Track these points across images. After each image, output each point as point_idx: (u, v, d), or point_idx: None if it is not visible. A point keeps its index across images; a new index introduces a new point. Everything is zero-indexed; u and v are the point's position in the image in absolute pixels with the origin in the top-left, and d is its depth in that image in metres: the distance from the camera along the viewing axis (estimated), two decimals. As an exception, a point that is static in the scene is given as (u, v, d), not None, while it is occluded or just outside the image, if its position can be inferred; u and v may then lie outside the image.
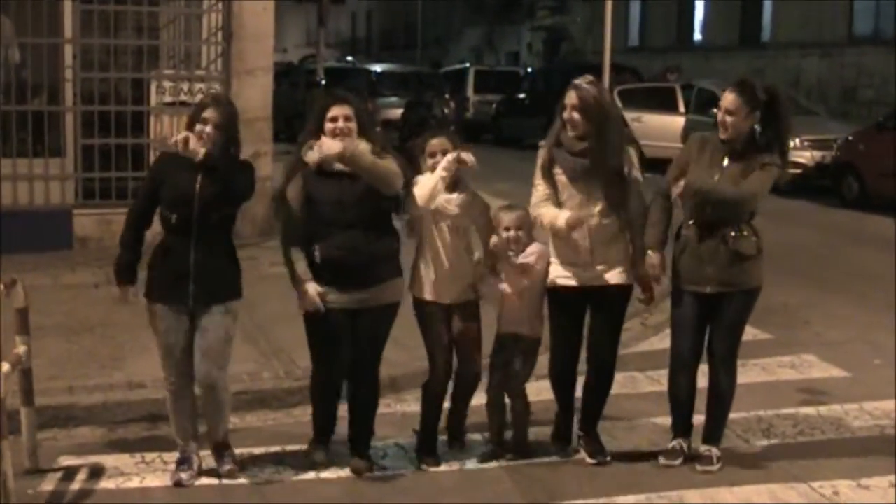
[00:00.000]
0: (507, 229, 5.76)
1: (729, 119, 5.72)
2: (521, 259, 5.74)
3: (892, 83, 21.87)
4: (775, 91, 5.85)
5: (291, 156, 5.72)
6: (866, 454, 6.16)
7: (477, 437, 6.16)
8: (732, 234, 5.72)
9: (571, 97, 5.71)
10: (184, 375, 5.58)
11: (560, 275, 5.84)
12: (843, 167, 16.64)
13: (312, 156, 5.49)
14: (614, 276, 5.80)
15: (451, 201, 5.79)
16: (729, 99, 5.73)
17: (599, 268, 5.78)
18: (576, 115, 5.69)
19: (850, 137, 16.89)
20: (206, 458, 5.76)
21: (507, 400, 6.02)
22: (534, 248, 5.80)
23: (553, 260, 5.87)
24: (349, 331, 5.65)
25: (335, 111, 5.59)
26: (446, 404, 6.08)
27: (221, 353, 5.58)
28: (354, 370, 5.80)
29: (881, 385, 7.44)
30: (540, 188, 5.88)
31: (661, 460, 5.96)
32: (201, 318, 5.50)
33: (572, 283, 5.81)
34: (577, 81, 5.75)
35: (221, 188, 5.41)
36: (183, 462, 5.66)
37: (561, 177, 5.80)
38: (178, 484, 5.55)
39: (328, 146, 5.45)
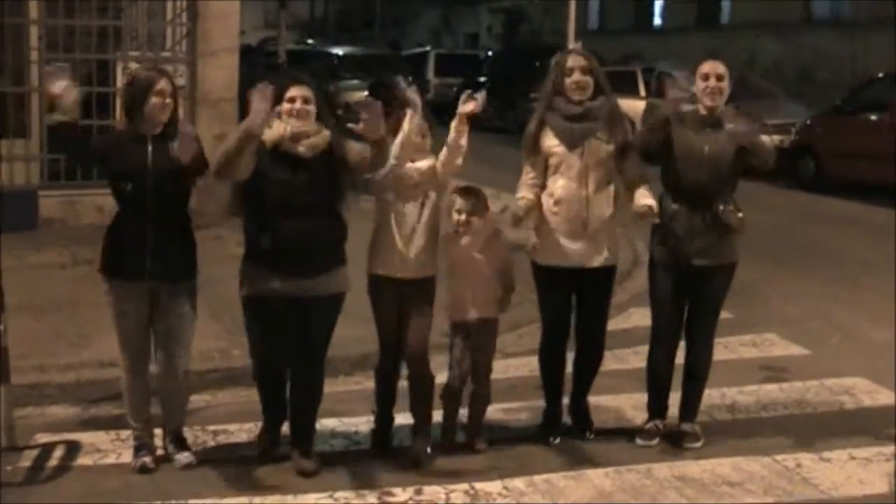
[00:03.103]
0: (459, 212, 5.66)
1: (722, 84, 5.70)
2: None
3: (848, 65, 22.13)
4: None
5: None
6: (827, 429, 6.32)
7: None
8: (721, 207, 5.74)
9: (578, 60, 5.70)
10: (140, 354, 5.45)
11: (547, 254, 5.83)
12: (800, 149, 16.86)
13: (270, 133, 5.31)
14: (600, 259, 5.81)
15: (414, 169, 5.59)
16: (717, 67, 5.70)
17: (589, 247, 5.76)
18: (588, 78, 5.66)
19: (809, 121, 17.13)
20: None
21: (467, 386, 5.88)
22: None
23: (544, 236, 5.83)
24: (291, 320, 5.41)
25: (294, 91, 5.35)
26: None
27: (184, 334, 5.49)
28: (297, 363, 5.54)
29: (839, 362, 7.64)
30: (525, 170, 5.87)
31: (638, 441, 6.02)
32: (162, 298, 5.37)
33: (560, 263, 5.79)
34: (572, 47, 5.71)
35: (173, 159, 5.27)
36: (141, 448, 5.54)
37: (557, 148, 5.74)
38: (143, 469, 5.46)
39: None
